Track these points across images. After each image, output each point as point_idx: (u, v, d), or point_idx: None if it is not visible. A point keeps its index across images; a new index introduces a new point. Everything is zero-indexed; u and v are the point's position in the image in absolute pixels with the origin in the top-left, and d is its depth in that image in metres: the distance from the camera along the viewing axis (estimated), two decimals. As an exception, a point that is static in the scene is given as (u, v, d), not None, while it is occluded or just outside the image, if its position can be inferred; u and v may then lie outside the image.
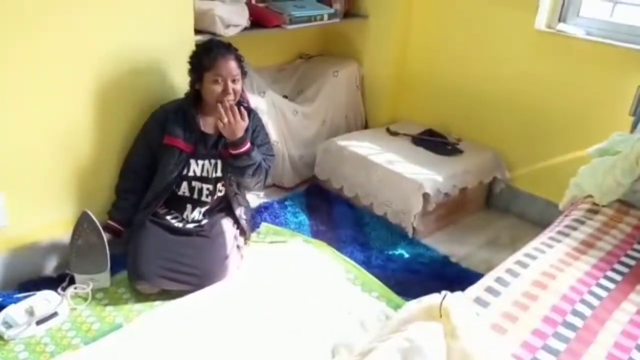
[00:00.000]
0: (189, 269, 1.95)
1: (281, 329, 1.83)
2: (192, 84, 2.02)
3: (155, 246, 1.95)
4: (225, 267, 2.01)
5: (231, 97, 1.97)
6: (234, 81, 1.97)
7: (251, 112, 2.16)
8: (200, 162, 2.04)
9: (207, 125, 2.06)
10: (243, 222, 2.18)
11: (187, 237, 2.03)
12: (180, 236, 2.02)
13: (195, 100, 2.03)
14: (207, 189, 2.08)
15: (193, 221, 2.09)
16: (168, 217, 2.06)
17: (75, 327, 1.81)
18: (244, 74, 2.04)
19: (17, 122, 1.82)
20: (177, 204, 2.08)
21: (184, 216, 2.08)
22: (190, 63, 2.00)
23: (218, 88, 1.95)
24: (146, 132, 2.06)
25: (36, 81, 1.81)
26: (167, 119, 2.01)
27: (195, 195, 2.07)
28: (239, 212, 2.17)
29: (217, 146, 2.06)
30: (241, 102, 2.08)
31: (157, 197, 2.03)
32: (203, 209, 2.10)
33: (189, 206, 2.08)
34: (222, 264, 2.01)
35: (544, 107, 2.57)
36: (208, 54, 1.95)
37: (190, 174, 2.04)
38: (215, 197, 2.12)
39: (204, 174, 2.06)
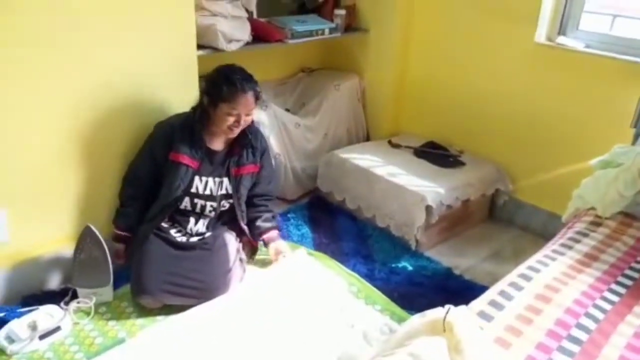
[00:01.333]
0: (192, 283, 1.94)
1: (284, 342, 1.82)
2: (202, 103, 2.01)
3: (159, 261, 1.95)
4: (228, 280, 2.01)
5: (241, 127, 2.00)
6: (247, 114, 1.99)
7: (258, 132, 2.18)
8: (204, 179, 2.05)
9: (213, 142, 2.07)
10: (249, 235, 2.19)
11: (190, 250, 2.03)
12: (184, 250, 2.02)
13: (201, 116, 2.03)
14: (211, 205, 2.09)
15: (197, 234, 2.09)
16: (172, 231, 2.06)
17: (78, 341, 1.80)
18: (258, 102, 2.04)
19: (18, 139, 1.83)
20: (180, 217, 2.08)
21: (188, 229, 2.08)
22: (207, 86, 1.99)
23: (231, 119, 1.96)
24: (152, 145, 2.06)
25: (37, 98, 1.83)
26: (174, 135, 2.01)
27: (198, 210, 2.08)
28: (245, 227, 2.18)
29: (225, 164, 2.07)
30: (255, 129, 2.13)
31: (162, 211, 2.03)
32: (207, 221, 2.11)
33: (192, 219, 2.08)
34: (225, 277, 2.01)
35: (545, 119, 2.58)
36: (230, 86, 1.93)
37: (193, 190, 2.04)
38: (219, 212, 2.13)
39: (207, 192, 2.06)
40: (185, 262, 1.97)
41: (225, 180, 2.09)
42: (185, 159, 2.00)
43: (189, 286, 1.94)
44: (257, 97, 2.00)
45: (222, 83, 1.94)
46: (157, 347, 1.76)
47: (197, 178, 2.04)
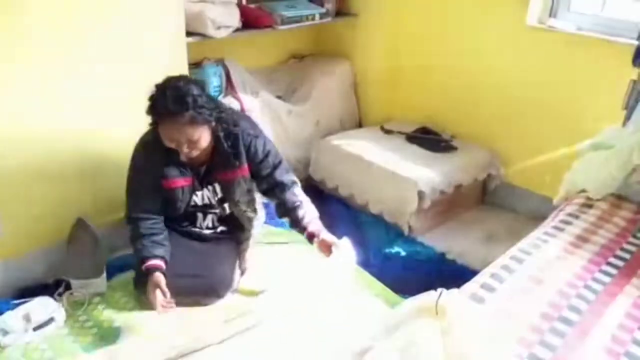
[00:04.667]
0: (195, 282, 1.91)
1: (280, 329, 1.83)
2: None
3: (176, 263, 1.89)
4: (231, 277, 1.99)
5: (191, 151, 1.78)
6: (190, 141, 1.74)
7: (238, 136, 1.90)
8: (199, 193, 1.97)
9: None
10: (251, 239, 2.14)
11: (200, 242, 2.01)
12: (194, 240, 2.00)
13: (158, 135, 1.83)
14: (212, 212, 2.03)
15: (207, 228, 2.05)
16: (184, 224, 2.02)
17: (73, 332, 1.80)
18: (209, 121, 1.75)
19: (12, 133, 1.82)
20: (189, 217, 2.03)
21: (198, 225, 2.04)
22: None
23: (172, 145, 1.75)
24: (140, 182, 1.88)
25: (31, 91, 1.82)
26: (156, 160, 1.84)
27: (200, 213, 2.04)
28: (254, 231, 2.13)
29: (211, 171, 1.95)
30: (230, 131, 1.87)
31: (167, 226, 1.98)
32: (215, 217, 2.05)
33: (199, 215, 2.03)
34: (229, 272, 1.99)
35: (536, 102, 2.58)
36: (157, 110, 1.70)
37: (192, 204, 1.98)
38: (226, 212, 2.06)
39: (205, 201, 2.00)
40: (190, 258, 1.94)
41: (217, 186, 1.98)
42: (179, 182, 1.89)
43: (192, 285, 1.90)
44: (195, 119, 1.70)
45: (153, 104, 1.71)
46: (153, 338, 1.76)
47: (193, 194, 1.97)
